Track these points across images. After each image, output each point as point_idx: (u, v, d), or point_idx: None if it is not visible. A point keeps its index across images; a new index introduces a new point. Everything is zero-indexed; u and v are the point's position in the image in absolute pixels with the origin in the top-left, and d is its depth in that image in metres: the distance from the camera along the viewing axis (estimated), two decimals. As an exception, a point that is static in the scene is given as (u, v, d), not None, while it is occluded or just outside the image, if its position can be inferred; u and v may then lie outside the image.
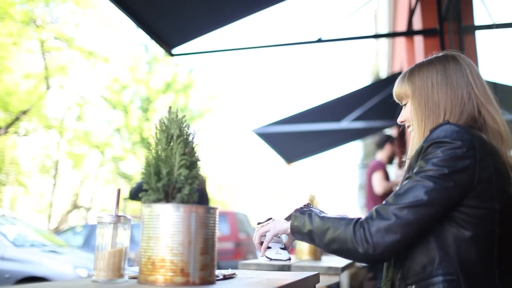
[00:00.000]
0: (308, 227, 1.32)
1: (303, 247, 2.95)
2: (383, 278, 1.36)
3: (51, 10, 14.77)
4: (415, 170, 1.20)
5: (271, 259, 1.49)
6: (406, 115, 1.42)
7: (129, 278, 1.16)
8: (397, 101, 1.48)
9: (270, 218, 1.52)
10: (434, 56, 1.47)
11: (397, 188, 1.24)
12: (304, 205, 1.43)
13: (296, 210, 1.40)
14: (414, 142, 1.36)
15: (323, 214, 1.33)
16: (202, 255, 0.97)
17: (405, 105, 1.44)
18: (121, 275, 1.11)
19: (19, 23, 13.34)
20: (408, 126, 1.44)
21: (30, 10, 14.05)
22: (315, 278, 1.57)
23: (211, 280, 0.99)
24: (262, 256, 1.52)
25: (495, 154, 1.24)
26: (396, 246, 1.15)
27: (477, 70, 1.39)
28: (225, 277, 1.35)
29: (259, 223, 1.55)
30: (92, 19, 15.56)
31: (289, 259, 1.50)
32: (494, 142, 1.28)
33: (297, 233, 1.37)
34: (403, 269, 1.24)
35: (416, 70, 1.42)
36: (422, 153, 1.21)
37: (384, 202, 1.21)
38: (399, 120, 1.47)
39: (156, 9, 3.89)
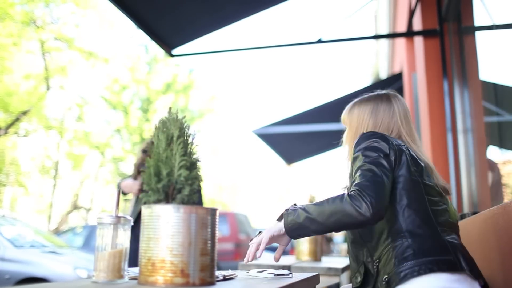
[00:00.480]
0: (304, 214, 1.43)
1: (303, 248, 2.95)
2: (353, 269, 1.56)
3: (51, 10, 14.79)
4: (358, 165, 1.48)
5: (275, 275, 1.47)
6: (344, 138, 1.81)
7: (129, 279, 1.16)
8: (343, 124, 1.84)
9: (260, 232, 1.55)
10: (374, 93, 1.81)
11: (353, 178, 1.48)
12: (292, 205, 1.52)
13: (286, 209, 1.49)
14: (347, 157, 1.73)
15: (313, 203, 1.46)
16: (202, 256, 0.97)
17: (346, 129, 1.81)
18: (121, 276, 1.11)
19: (19, 23, 13.34)
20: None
21: (30, 10, 14.06)
22: (315, 279, 1.57)
23: (211, 281, 0.99)
24: (248, 261, 1.52)
25: (406, 148, 1.58)
26: (386, 201, 1.39)
27: (406, 111, 1.74)
28: (225, 278, 1.35)
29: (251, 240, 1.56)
30: (92, 20, 15.57)
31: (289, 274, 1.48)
32: None
33: (292, 226, 1.44)
34: (367, 250, 1.49)
35: (356, 105, 1.78)
36: (354, 159, 1.51)
37: (356, 181, 1.42)
38: (342, 141, 1.84)
39: (156, 9, 3.90)
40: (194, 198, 1.04)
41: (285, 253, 14.04)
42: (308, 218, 1.41)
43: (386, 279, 1.39)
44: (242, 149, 32.09)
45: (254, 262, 2.65)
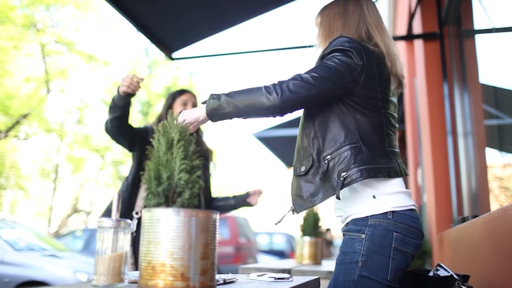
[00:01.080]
0: (224, 97, 1.53)
1: (304, 252, 2.94)
2: (298, 159, 1.67)
3: (51, 14, 14.82)
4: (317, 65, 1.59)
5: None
6: (317, 38, 1.83)
7: (129, 283, 1.16)
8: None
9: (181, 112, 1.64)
10: None
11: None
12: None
13: (212, 94, 1.57)
14: (318, 53, 1.73)
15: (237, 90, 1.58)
16: (202, 259, 0.97)
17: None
18: (121, 280, 1.11)
19: (20, 27, 13.37)
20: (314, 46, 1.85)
21: (31, 14, 14.08)
22: (315, 283, 1.56)
23: (212, 284, 0.99)
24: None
25: (379, 59, 1.63)
26: (299, 99, 1.51)
27: (374, 9, 1.78)
28: (226, 282, 1.35)
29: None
30: (92, 23, 15.60)
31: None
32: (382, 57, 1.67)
33: (212, 107, 1.53)
34: (319, 145, 1.60)
35: (326, 7, 1.83)
36: (324, 57, 1.60)
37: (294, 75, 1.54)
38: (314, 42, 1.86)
39: (156, 13, 3.90)
40: (194, 202, 1.04)
41: (285, 256, 14.02)
42: (226, 100, 1.52)
43: (344, 176, 1.50)
44: (242, 152, 32.08)
45: (255, 265, 2.64)
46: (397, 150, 1.67)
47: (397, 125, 1.70)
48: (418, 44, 4.59)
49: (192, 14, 4.03)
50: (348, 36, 1.65)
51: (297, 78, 1.51)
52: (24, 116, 13.99)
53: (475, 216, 2.40)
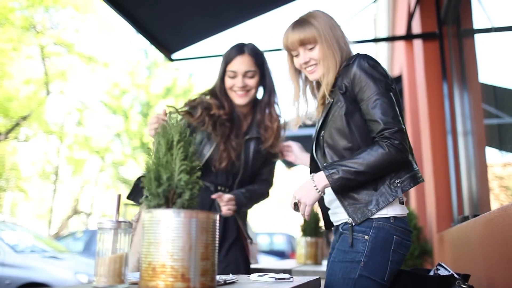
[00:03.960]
0: (351, 170, 1.56)
1: (304, 252, 2.94)
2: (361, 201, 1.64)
3: (51, 15, 14.81)
4: (369, 93, 1.61)
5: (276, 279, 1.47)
6: (317, 56, 1.75)
7: (129, 284, 1.16)
8: (295, 47, 1.78)
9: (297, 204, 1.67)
10: (306, 13, 1.83)
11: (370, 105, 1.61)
12: (325, 168, 1.62)
13: (325, 170, 1.60)
14: (329, 75, 1.72)
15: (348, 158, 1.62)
16: (202, 260, 0.97)
17: (309, 49, 1.77)
18: (121, 281, 1.11)
19: (19, 29, 13.36)
20: (311, 65, 1.77)
21: (30, 16, 14.08)
22: (316, 283, 1.56)
23: (212, 285, 0.99)
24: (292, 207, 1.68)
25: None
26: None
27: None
28: (226, 282, 1.35)
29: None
30: (91, 25, 15.59)
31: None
32: None
33: (341, 183, 1.58)
34: (335, 153, 1.67)
35: (311, 19, 1.77)
36: (359, 77, 1.63)
37: (376, 119, 1.58)
38: (303, 61, 1.78)
39: (155, 14, 3.90)
40: (194, 203, 1.04)
41: (285, 256, 14.01)
42: (357, 172, 1.55)
43: (398, 183, 1.62)
44: (242, 152, 32.01)
45: (255, 266, 2.64)
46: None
47: None
48: (418, 44, 4.59)
49: (191, 15, 4.03)
50: (348, 55, 1.76)
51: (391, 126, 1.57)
52: (24, 118, 13.98)
53: (475, 216, 2.40)
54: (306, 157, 2.10)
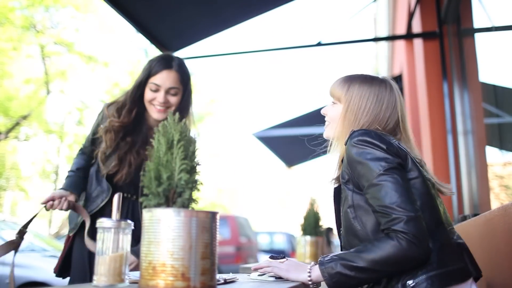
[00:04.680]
0: (350, 265, 1.31)
1: (304, 251, 2.94)
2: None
3: (51, 15, 14.82)
4: (368, 179, 1.36)
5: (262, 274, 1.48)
6: (333, 115, 1.63)
7: (130, 283, 1.16)
8: (330, 95, 1.66)
9: (284, 257, 1.50)
10: (373, 75, 1.63)
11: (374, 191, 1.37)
12: (319, 259, 1.39)
13: (319, 264, 1.36)
14: (339, 140, 1.59)
15: (347, 251, 1.36)
16: (203, 259, 0.97)
17: (333, 102, 1.65)
18: (121, 280, 1.11)
19: (19, 28, 13.37)
20: (327, 120, 1.68)
21: (30, 15, 14.08)
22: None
23: (212, 284, 0.99)
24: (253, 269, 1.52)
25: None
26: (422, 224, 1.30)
27: (404, 105, 1.61)
28: (226, 282, 1.35)
29: (271, 257, 1.51)
30: (92, 24, 15.60)
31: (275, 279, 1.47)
32: None
33: (335, 280, 1.32)
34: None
35: (357, 83, 1.58)
36: (352, 163, 1.42)
37: (381, 208, 1.32)
38: (323, 112, 1.69)
39: (156, 13, 3.90)
40: (195, 202, 1.04)
41: (286, 255, 14.04)
42: (357, 268, 1.30)
43: (411, 285, 1.29)
44: (243, 152, 32.10)
45: (255, 265, 2.65)
46: (462, 240, 1.47)
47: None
48: (418, 43, 4.59)
49: (191, 14, 4.03)
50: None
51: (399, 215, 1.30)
52: (24, 117, 13.99)
53: (475, 215, 2.40)
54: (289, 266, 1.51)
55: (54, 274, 2.21)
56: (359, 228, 1.41)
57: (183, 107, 2.24)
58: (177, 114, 1.09)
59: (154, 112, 2.17)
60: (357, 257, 1.30)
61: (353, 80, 1.59)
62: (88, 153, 2.27)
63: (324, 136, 1.67)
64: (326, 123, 1.67)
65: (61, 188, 2.14)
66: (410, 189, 1.35)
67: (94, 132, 2.24)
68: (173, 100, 2.18)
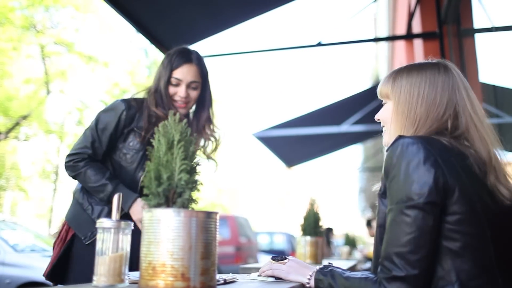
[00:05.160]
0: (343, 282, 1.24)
1: (304, 251, 2.94)
2: None
3: (51, 15, 14.82)
4: (389, 207, 1.20)
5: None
6: (385, 116, 1.43)
7: (129, 283, 1.16)
8: (379, 97, 1.47)
9: (286, 258, 1.48)
10: (427, 61, 1.42)
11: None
12: (324, 266, 1.35)
13: (318, 272, 1.32)
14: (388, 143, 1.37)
15: (346, 274, 1.26)
16: (202, 259, 0.97)
17: (384, 103, 1.45)
18: (121, 280, 1.11)
19: (19, 28, 13.38)
20: (383, 126, 1.45)
21: (30, 15, 14.09)
22: (316, 282, 1.56)
23: (212, 285, 0.99)
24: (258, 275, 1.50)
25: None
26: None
27: (468, 84, 1.37)
28: (226, 282, 1.35)
29: (273, 258, 1.50)
30: (92, 24, 15.60)
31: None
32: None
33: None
34: None
35: (405, 73, 1.38)
36: (385, 178, 1.23)
37: (387, 252, 1.17)
38: (376, 117, 1.48)
39: (156, 13, 3.90)
40: (195, 202, 1.04)
41: (286, 256, 14.05)
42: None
43: None
44: (243, 152, 32.10)
45: (255, 265, 2.65)
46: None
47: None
48: (418, 43, 4.59)
49: (191, 14, 4.03)
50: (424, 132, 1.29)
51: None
52: (24, 117, 13.99)
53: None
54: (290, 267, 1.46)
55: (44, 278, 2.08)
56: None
57: (204, 101, 2.24)
58: (177, 114, 1.09)
59: (175, 107, 2.16)
60: (341, 284, 1.23)
61: (399, 71, 1.41)
62: (100, 159, 2.13)
63: (384, 144, 1.43)
64: (383, 129, 1.45)
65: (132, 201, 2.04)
66: (429, 236, 1.13)
67: (115, 131, 2.12)
68: (194, 94, 2.17)
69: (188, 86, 2.15)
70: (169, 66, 2.14)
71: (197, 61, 2.19)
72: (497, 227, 1.19)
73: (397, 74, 1.39)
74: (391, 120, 1.38)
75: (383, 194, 1.26)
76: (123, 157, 2.12)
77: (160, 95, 2.14)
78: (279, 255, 1.52)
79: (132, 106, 2.14)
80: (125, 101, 2.16)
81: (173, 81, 2.13)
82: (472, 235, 1.15)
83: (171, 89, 2.14)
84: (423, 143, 1.19)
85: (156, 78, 2.19)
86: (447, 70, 1.35)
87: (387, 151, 1.25)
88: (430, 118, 1.29)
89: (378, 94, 1.46)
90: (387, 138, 1.41)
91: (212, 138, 2.32)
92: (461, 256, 1.13)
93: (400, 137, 1.23)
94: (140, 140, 2.11)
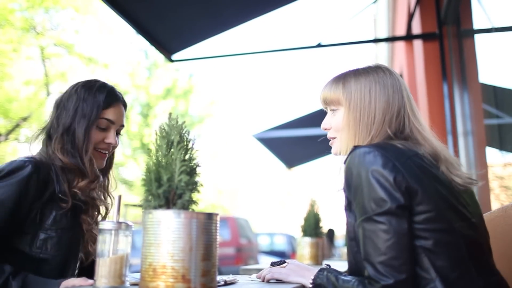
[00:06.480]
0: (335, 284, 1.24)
1: (305, 252, 2.94)
2: None
3: (51, 17, 14.82)
4: (358, 216, 1.21)
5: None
6: (336, 123, 1.40)
7: (130, 285, 1.16)
8: (323, 105, 1.44)
9: (285, 262, 1.47)
10: (368, 66, 1.41)
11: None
12: (321, 268, 1.34)
13: (320, 273, 1.31)
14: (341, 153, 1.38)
15: (341, 279, 1.25)
16: (203, 261, 0.97)
17: (332, 110, 1.43)
18: (122, 282, 1.11)
19: (19, 30, 13.38)
20: (332, 136, 1.43)
21: (30, 17, 14.09)
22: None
23: (213, 286, 0.99)
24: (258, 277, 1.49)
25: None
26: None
27: (407, 86, 1.39)
28: (227, 283, 1.35)
29: (272, 264, 1.49)
30: (92, 26, 15.60)
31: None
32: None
33: None
34: None
35: (352, 77, 1.36)
36: (349, 188, 1.24)
37: (368, 260, 1.17)
38: (323, 126, 1.45)
39: (155, 15, 3.91)
40: (195, 204, 1.04)
41: (286, 257, 14.02)
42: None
43: None
44: (243, 153, 32.11)
45: (256, 266, 2.64)
46: (499, 277, 1.27)
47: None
48: (418, 44, 4.60)
49: (191, 15, 4.03)
50: (380, 138, 1.30)
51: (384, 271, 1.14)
52: (24, 119, 13.99)
53: (475, 216, 2.39)
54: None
55: None
56: (360, 265, 1.25)
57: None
58: (177, 115, 1.09)
59: (98, 158, 1.67)
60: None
61: (345, 76, 1.38)
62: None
63: (333, 153, 1.43)
64: (332, 140, 1.43)
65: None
66: (407, 239, 1.16)
67: (18, 208, 1.49)
68: (118, 142, 1.73)
69: (118, 131, 1.72)
70: (96, 103, 1.63)
71: (124, 101, 1.77)
72: (462, 218, 1.23)
73: (344, 79, 1.38)
74: (342, 127, 1.37)
75: (347, 206, 1.28)
76: (42, 247, 1.50)
77: (73, 138, 1.59)
78: (278, 260, 1.52)
79: (41, 164, 1.57)
80: (29, 160, 1.58)
81: (102, 123, 1.64)
82: (442, 231, 1.18)
83: (96, 134, 1.64)
84: (379, 150, 1.20)
85: (67, 115, 1.61)
86: (391, 72, 1.37)
87: (344, 163, 1.26)
88: (385, 120, 1.30)
89: (322, 102, 1.44)
90: (339, 146, 1.40)
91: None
92: (435, 253, 1.16)
93: (355, 147, 1.24)
94: (64, 211, 1.54)
